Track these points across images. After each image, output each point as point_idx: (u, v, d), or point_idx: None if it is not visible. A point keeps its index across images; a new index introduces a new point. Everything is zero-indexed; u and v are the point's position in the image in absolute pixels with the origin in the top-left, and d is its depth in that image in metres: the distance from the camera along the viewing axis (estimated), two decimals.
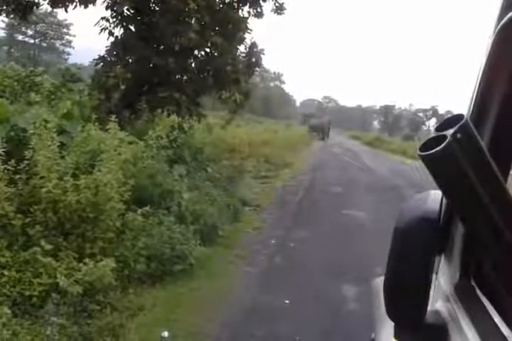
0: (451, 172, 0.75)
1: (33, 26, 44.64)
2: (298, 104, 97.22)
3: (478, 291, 1.06)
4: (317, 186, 12.87)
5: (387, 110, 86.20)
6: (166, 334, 3.82)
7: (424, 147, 0.74)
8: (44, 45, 48.96)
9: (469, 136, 0.74)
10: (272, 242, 6.86)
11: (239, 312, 4.46)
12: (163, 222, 5.45)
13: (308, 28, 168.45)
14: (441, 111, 74.89)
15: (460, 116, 0.75)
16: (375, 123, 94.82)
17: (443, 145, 0.71)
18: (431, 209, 0.96)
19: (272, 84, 72.81)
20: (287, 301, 4.75)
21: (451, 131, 0.73)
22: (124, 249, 4.76)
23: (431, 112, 77.64)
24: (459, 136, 0.73)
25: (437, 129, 0.77)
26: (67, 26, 48.03)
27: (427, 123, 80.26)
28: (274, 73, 71.28)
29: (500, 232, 0.76)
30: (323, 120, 38.86)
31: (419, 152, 0.74)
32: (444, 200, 1.04)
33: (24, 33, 46.78)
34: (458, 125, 0.73)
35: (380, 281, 2.36)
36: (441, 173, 0.76)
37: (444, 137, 0.72)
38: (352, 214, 9.25)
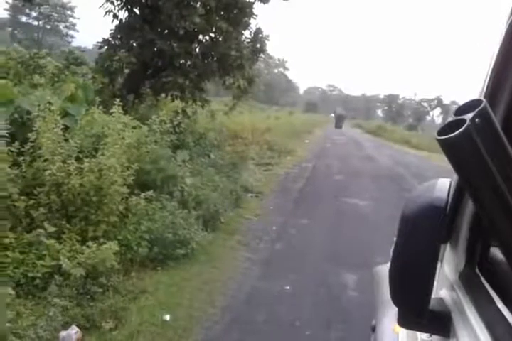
0: (469, 156, 0.75)
1: (36, 8, 44.15)
2: (301, 91, 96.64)
3: (482, 279, 1.07)
4: (319, 174, 12.87)
5: (391, 99, 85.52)
6: (167, 317, 3.88)
7: (443, 131, 0.74)
8: (48, 27, 48.47)
9: (487, 120, 0.74)
10: (273, 229, 6.89)
11: (240, 298, 4.50)
12: (166, 206, 5.47)
13: (314, 16, 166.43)
14: (445, 101, 74.30)
15: (478, 101, 0.75)
16: (379, 112, 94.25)
17: (462, 129, 0.71)
18: (438, 197, 0.96)
19: (275, 71, 72.15)
20: (288, 287, 4.79)
21: (470, 116, 0.73)
22: (126, 233, 4.80)
23: (435, 102, 76.88)
24: (477, 120, 0.73)
25: (456, 113, 0.76)
26: (71, 9, 47.51)
27: (431, 113, 79.72)
28: (279, 60, 70.54)
29: None
30: (343, 111, 46.84)
31: (437, 136, 0.74)
32: (452, 188, 1.04)
33: (28, 15, 46.34)
34: (477, 109, 0.73)
35: (381, 269, 2.36)
36: (459, 157, 0.77)
37: (463, 121, 0.72)
38: (353, 203, 9.25)
